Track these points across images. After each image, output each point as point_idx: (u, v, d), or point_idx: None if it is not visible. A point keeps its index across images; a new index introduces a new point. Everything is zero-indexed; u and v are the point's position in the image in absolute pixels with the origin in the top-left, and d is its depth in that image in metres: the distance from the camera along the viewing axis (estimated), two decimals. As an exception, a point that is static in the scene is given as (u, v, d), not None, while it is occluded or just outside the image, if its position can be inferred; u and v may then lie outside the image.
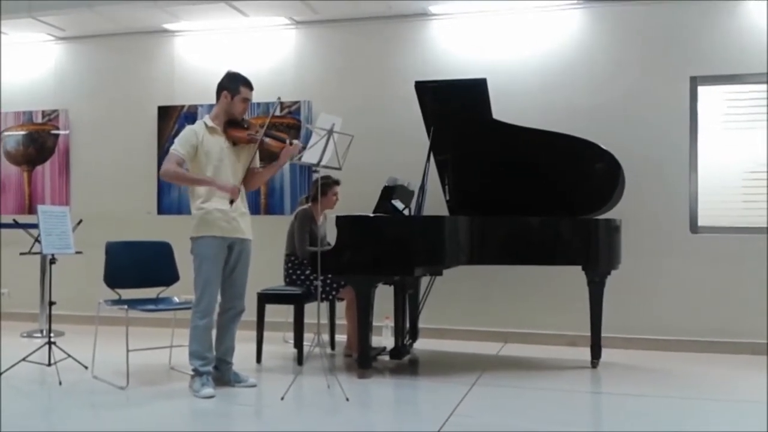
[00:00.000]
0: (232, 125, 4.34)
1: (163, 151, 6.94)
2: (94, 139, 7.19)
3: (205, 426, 3.77)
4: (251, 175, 4.43)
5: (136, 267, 4.82)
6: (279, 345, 5.79)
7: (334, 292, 5.18)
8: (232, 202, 4.16)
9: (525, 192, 5.21)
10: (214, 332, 4.36)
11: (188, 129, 4.31)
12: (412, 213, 5.18)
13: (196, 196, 4.27)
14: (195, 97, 6.81)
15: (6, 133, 7.42)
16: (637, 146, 5.76)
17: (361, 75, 6.53)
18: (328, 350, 5.61)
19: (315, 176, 4.72)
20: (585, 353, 5.14)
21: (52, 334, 4.90)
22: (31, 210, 7.12)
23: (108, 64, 7.19)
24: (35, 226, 4.86)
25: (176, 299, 4.85)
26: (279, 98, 4.39)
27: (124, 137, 7.09)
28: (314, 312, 4.50)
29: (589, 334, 5.09)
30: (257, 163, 4.48)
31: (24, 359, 4.69)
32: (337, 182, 5.37)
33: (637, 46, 5.94)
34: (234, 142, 4.33)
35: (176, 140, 4.26)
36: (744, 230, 5.69)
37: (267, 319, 5.21)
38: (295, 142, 4.41)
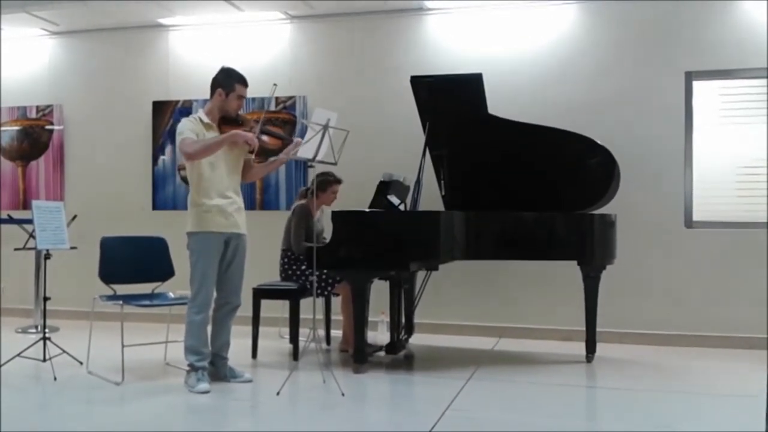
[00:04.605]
0: (226, 122, 4.32)
1: (157, 146, 6.94)
2: (89, 134, 7.17)
3: (201, 421, 3.77)
4: (247, 168, 4.45)
5: (131, 262, 4.81)
6: (274, 340, 5.79)
7: (329, 288, 5.17)
8: (252, 152, 4.21)
9: (520, 187, 5.21)
10: (209, 328, 4.36)
11: (187, 120, 4.28)
12: (408, 208, 5.18)
13: (194, 191, 4.25)
14: (190, 92, 6.80)
15: (0, 129, 7.39)
16: (632, 141, 5.77)
17: (356, 70, 6.52)
18: (324, 345, 5.61)
19: (311, 171, 4.70)
20: (580, 348, 5.16)
21: (46, 330, 4.90)
22: (26, 205, 7.12)
23: (102, 59, 7.16)
24: (30, 221, 4.85)
25: (171, 294, 4.85)
26: (275, 84, 4.30)
27: (119, 132, 7.07)
28: (310, 307, 4.50)
29: (583, 329, 5.10)
30: (252, 155, 4.49)
31: (19, 355, 4.68)
32: (339, 181, 5.34)
33: (631, 42, 5.94)
34: (229, 139, 4.32)
35: (180, 129, 4.19)
36: (738, 225, 5.71)
37: (262, 314, 5.20)
38: (297, 139, 4.41)
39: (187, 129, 4.20)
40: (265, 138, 4.39)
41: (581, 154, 5.13)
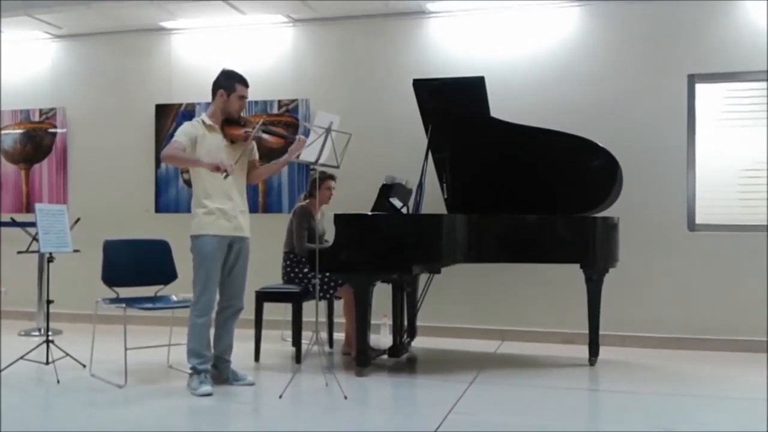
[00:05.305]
0: (229, 123, 4.34)
1: (160, 149, 6.94)
2: (92, 137, 7.18)
3: (203, 424, 3.77)
4: (252, 169, 4.47)
5: (134, 265, 4.81)
6: (277, 343, 5.79)
7: (332, 291, 5.17)
8: (226, 176, 4.10)
9: (523, 190, 5.21)
10: (212, 331, 4.36)
11: (188, 123, 4.33)
12: (410, 211, 5.18)
13: (198, 194, 4.27)
14: (192, 95, 6.80)
15: (3, 132, 7.41)
16: (634, 144, 5.76)
17: (358, 73, 6.52)
18: (327, 348, 5.61)
19: (312, 174, 4.72)
20: (583, 351, 5.15)
21: (50, 333, 4.91)
22: (29, 208, 7.11)
23: (105, 62, 7.18)
24: (33, 224, 4.85)
25: (174, 297, 4.85)
26: (262, 122, 4.37)
27: (122, 135, 7.08)
28: (312, 310, 4.50)
29: (586, 331, 5.09)
30: (256, 155, 4.51)
31: (22, 358, 4.69)
32: (331, 177, 5.37)
33: (634, 44, 5.94)
34: (232, 140, 4.33)
35: (178, 132, 4.27)
36: (741, 228, 5.70)
37: (265, 317, 5.20)
38: (300, 137, 4.42)
39: (182, 132, 4.25)
40: (267, 137, 4.40)
41: (584, 156, 5.12)
